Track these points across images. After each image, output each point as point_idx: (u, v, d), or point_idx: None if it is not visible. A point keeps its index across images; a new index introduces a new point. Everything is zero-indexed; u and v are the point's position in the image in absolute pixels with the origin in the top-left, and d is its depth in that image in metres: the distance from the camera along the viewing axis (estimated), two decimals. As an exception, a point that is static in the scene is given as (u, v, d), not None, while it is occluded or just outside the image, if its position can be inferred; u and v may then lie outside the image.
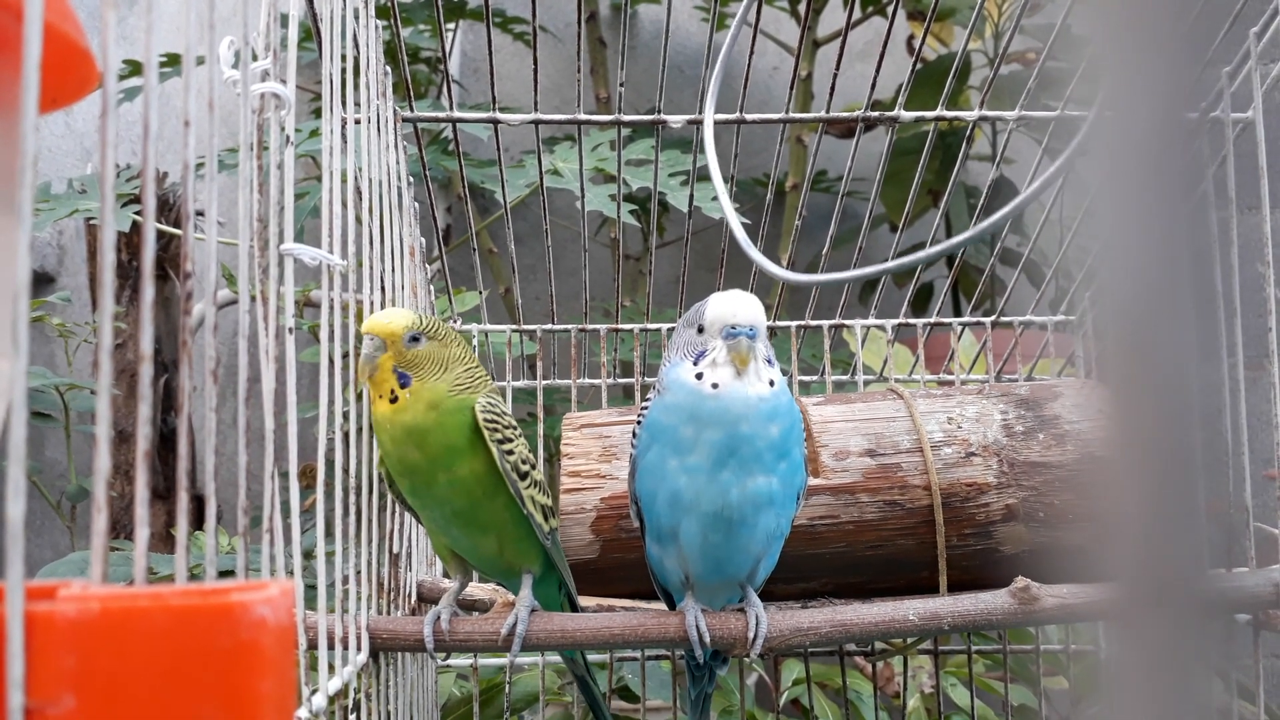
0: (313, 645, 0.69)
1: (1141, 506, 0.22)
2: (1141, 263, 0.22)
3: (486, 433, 0.82)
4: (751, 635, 0.83)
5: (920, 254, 0.92)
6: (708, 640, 0.84)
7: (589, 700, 1.03)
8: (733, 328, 0.78)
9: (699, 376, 0.79)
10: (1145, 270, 0.22)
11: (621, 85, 1.06)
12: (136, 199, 1.60)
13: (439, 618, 0.85)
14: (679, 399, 0.80)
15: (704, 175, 1.37)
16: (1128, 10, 0.22)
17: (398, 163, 0.96)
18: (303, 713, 0.64)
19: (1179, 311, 0.22)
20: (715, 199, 1.39)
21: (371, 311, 0.84)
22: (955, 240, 0.88)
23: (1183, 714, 0.21)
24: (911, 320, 1.32)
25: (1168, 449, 0.22)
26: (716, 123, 1.10)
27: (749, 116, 1.10)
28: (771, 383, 0.79)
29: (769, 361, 0.80)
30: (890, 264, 0.91)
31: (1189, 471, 0.22)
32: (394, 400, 0.80)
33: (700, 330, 0.80)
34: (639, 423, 0.85)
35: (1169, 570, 0.22)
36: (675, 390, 0.80)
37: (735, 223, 0.97)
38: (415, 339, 0.80)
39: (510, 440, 0.83)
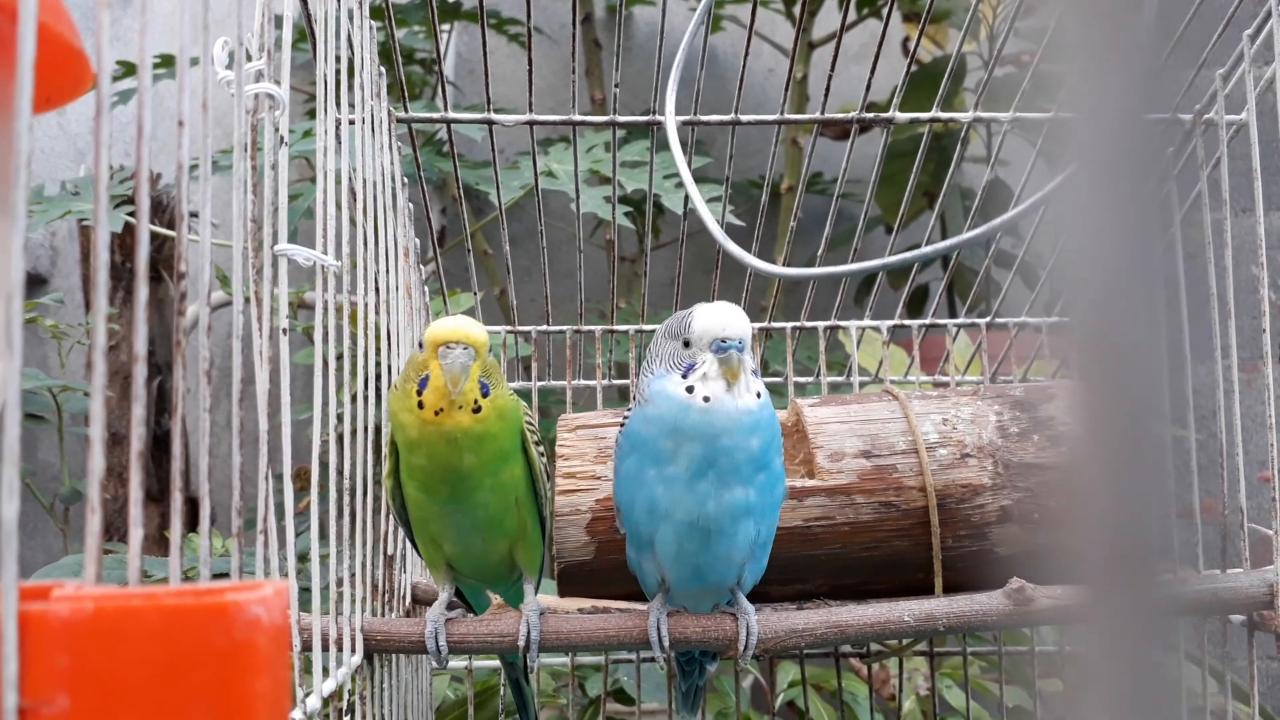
0: (307, 647, 0.68)
1: (1106, 496, 0.22)
2: (1106, 250, 0.22)
3: (529, 435, 0.83)
4: (742, 644, 0.84)
5: (910, 254, 0.92)
6: (667, 644, 0.85)
7: (519, 704, 1.04)
8: (723, 341, 0.78)
9: (690, 390, 0.79)
10: (1110, 258, 0.22)
11: (616, 86, 1.06)
12: (130, 200, 1.60)
13: (437, 632, 0.84)
14: (664, 411, 0.80)
15: (700, 177, 1.37)
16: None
17: (392, 164, 0.96)
18: (297, 714, 0.64)
19: (1143, 303, 0.22)
20: (710, 200, 1.39)
21: (365, 313, 0.84)
22: (951, 242, 0.88)
23: (1146, 706, 0.22)
24: (907, 322, 1.33)
25: (1133, 435, 0.22)
26: (711, 124, 1.10)
27: (744, 118, 1.10)
28: (759, 394, 0.80)
29: (754, 374, 0.81)
30: (878, 261, 0.92)
31: (1155, 457, 0.22)
32: (477, 410, 0.79)
33: (686, 344, 0.80)
34: (620, 431, 0.85)
35: (1131, 556, 0.22)
36: (661, 402, 0.80)
37: (708, 216, 0.97)
38: (490, 349, 0.81)
39: (540, 443, 0.85)
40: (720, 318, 0.79)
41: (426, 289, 1.23)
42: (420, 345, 0.80)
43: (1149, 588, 0.22)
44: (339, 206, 0.75)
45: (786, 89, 1.10)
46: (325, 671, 0.70)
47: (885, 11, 2.15)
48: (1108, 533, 0.22)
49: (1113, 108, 0.22)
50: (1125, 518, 0.22)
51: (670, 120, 1.02)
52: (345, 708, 0.75)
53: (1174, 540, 0.95)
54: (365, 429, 0.83)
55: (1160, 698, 0.22)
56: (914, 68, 1.09)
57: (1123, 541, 0.22)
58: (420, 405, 0.79)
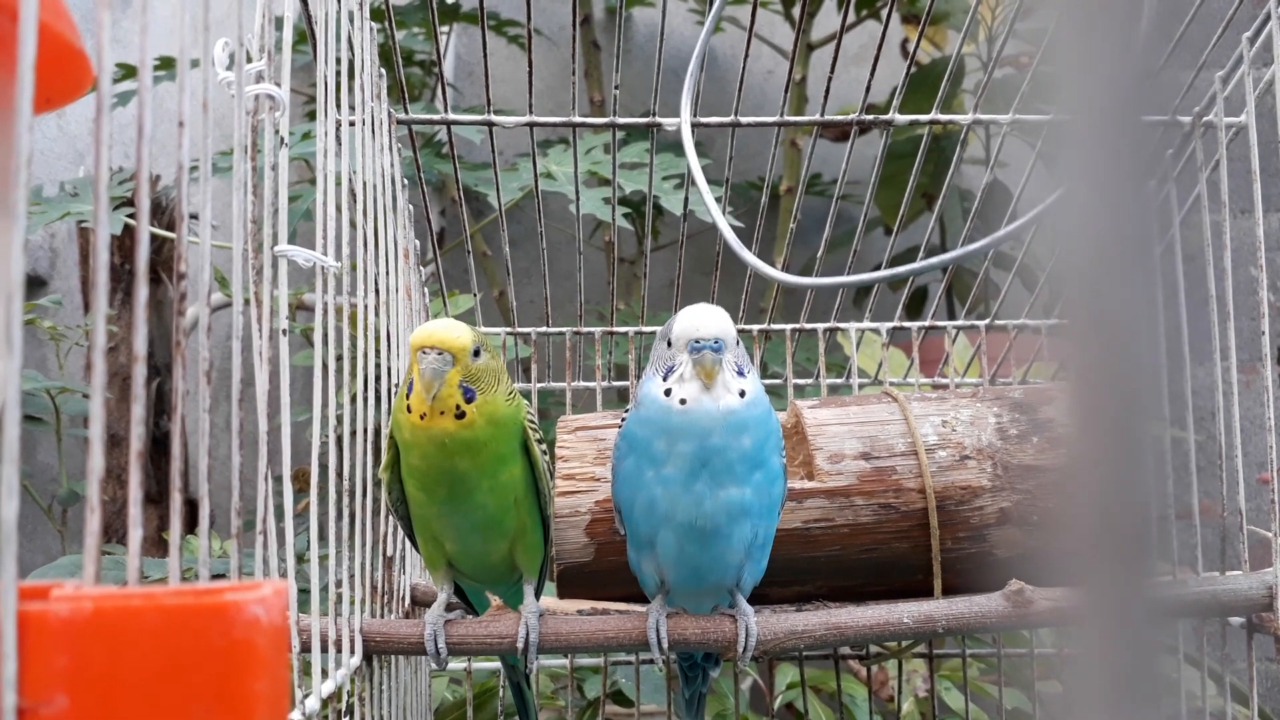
0: (306, 648, 0.68)
1: (1101, 494, 0.22)
2: (1103, 251, 0.22)
3: (532, 436, 0.83)
4: (741, 645, 0.84)
5: (911, 266, 0.92)
6: (665, 645, 0.84)
7: (519, 707, 1.04)
8: (697, 342, 0.78)
9: (668, 392, 0.79)
10: (1107, 259, 0.22)
11: (616, 88, 1.06)
12: (129, 202, 1.60)
13: (435, 634, 0.84)
14: (650, 413, 0.80)
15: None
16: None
17: (392, 165, 0.96)
18: (296, 715, 0.64)
19: (1140, 303, 0.22)
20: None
21: (365, 314, 0.84)
22: (952, 255, 0.88)
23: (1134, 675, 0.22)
24: (906, 324, 1.33)
25: (1129, 434, 0.22)
26: (710, 126, 1.10)
27: (743, 120, 1.10)
28: (742, 393, 0.79)
29: (740, 372, 0.80)
30: (884, 273, 0.92)
31: (1151, 456, 0.22)
32: (460, 416, 0.78)
33: (670, 345, 0.80)
34: (619, 433, 0.86)
35: (1126, 555, 0.22)
36: (647, 405, 0.81)
37: (722, 221, 0.97)
38: (477, 353, 0.79)
39: (541, 442, 0.84)
40: (695, 318, 0.79)
41: (426, 290, 1.23)
42: None
43: (1144, 587, 0.22)
44: (339, 208, 0.75)
45: (786, 91, 1.10)
46: (324, 673, 0.70)
47: (884, 13, 2.15)
48: (1103, 531, 0.22)
49: (1110, 109, 0.22)
50: (1120, 516, 0.22)
51: (685, 126, 1.02)
52: (344, 709, 0.75)
53: (1172, 541, 0.95)
54: (364, 431, 0.83)
55: (1157, 697, 0.22)
56: (913, 69, 1.09)
57: (1117, 540, 0.22)
58: (409, 409, 0.79)
